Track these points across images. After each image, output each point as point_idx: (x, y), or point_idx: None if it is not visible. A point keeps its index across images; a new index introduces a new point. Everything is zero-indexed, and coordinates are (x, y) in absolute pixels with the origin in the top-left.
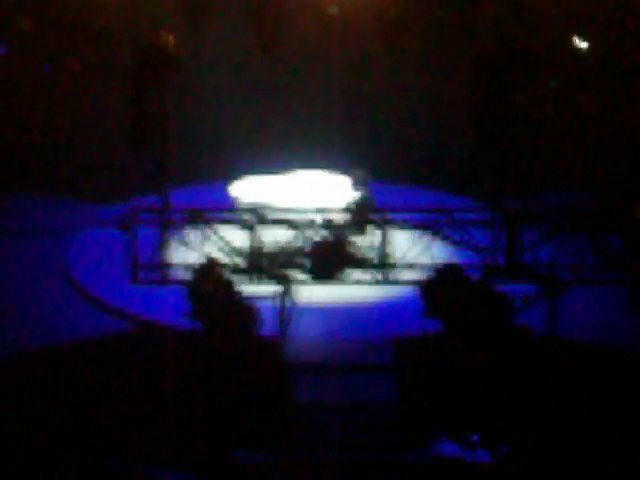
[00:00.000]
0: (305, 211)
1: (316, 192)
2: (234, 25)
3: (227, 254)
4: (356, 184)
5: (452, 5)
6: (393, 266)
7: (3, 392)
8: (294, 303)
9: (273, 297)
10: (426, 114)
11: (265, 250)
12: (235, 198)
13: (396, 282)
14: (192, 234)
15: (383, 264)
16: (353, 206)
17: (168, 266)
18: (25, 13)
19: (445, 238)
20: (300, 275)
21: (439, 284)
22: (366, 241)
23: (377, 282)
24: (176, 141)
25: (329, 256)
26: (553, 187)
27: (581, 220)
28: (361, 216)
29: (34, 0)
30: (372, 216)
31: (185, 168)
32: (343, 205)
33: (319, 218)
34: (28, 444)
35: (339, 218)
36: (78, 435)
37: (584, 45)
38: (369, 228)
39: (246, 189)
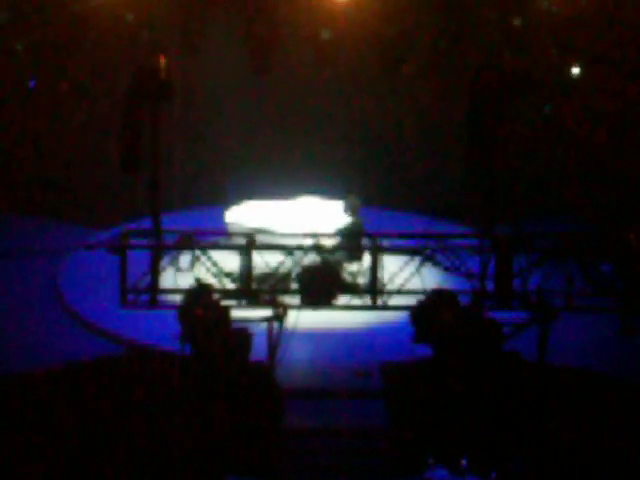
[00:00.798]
0: (297, 235)
1: (310, 217)
2: (229, 49)
3: (218, 278)
4: (347, 210)
5: (448, 31)
6: (384, 292)
7: None
8: (285, 328)
9: (264, 322)
10: (419, 139)
11: (257, 274)
12: (228, 222)
13: (387, 307)
14: (183, 258)
15: (374, 289)
16: (344, 232)
17: (158, 289)
18: (18, 34)
19: (436, 264)
20: (291, 300)
21: (429, 309)
22: (357, 266)
23: (368, 307)
24: (173, 164)
25: (320, 281)
26: (544, 213)
27: (572, 246)
28: (352, 242)
29: (27, 21)
30: (362, 242)
31: (181, 192)
32: (334, 230)
33: (310, 242)
34: (15, 468)
35: (330, 243)
36: (67, 460)
37: (577, 70)
38: (361, 254)
39: (241, 213)
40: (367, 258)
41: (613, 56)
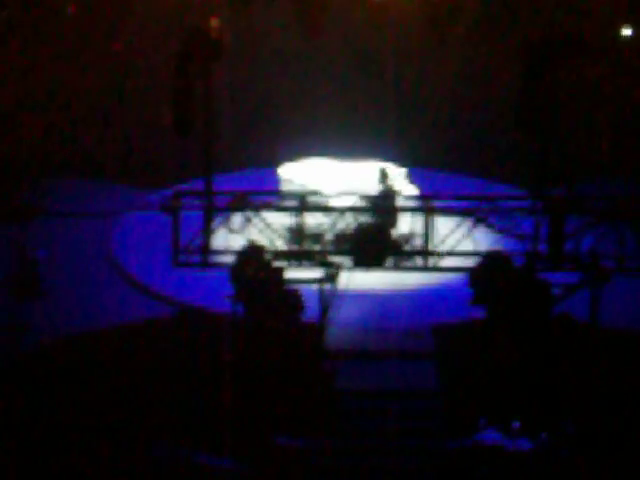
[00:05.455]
0: (348, 197)
1: (360, 180)
2: (279, 12)
3: (271, 239)
4: (382, 179)
5: None
6: (437, 253)
7: (48, 375)
8: (337, 289)
9: (316, 282)
10: (471, 101)
11: (309, 235)
12: (281, 182)
13: (439, 269)
14: (236, 218)
15: (426, 251)
16: (376, 200)
17: (211, 250)
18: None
19: (488, 225)
20: (343, 260)
21: (486, 272)
22: (410, 228)
23: (420, 269)
24: (225, 125)
25: (372, 242)
26: (596, 175)
27: (624, 208)
28: (387, 208)
29: None
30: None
31: (233, 152)
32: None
33: (363, 204)
34: (73, 427)
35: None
36: (124, 420)
37: (629, 32)
38: (399, 218)
39: (292, 173)
40: (418, 219)
41: None
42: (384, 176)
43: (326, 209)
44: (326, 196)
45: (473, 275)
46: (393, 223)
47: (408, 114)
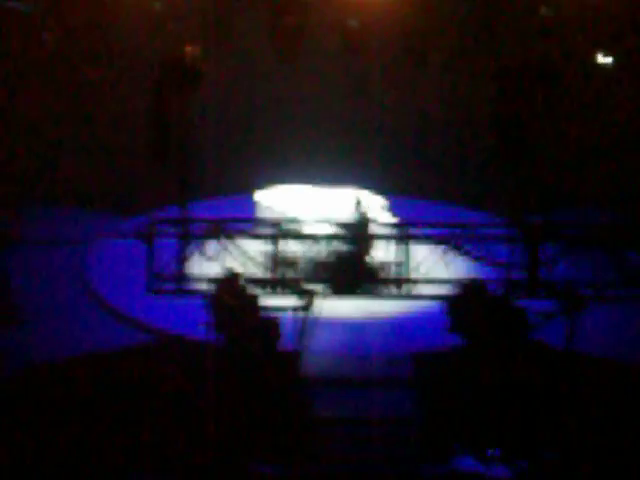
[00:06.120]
0: (323, 224)
1: (334, 206)
2: (256, 37)
3: (247, 266)
4: (356, 206)
5: (475, 19)
6: (413, 280)
7: (22, 403)
8: (314, 316)
9: (292, 310)
10: (447, 128)
11: (285, 262)
12: (257, 208)
13: (416, 296)
14: (212, 246)
15: (403, 278)
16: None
17: (187, 277)
18: (48, 26)
19: (465, 253)
20: (320, 288)
21: (463, 299)
22: (386, 255)
23: (396, 296)
24: (201, 152)
25: (347, 269)
26: (573, 202)
27: (601, 236)
28: (360, 235)
29: (58, 12)
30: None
31: (209, 179)
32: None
33: (339, 231)
34: (48, 455)
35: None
36: (99, 449)
37: (608, 60)
38: (374, 246)
39: (267, 200)
40: (396, 247)
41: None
42: (358, 204)
43: (301, 236)
44: (302, 223)
45: (450, 303)
46: (366, 251)
47: (387, 141)
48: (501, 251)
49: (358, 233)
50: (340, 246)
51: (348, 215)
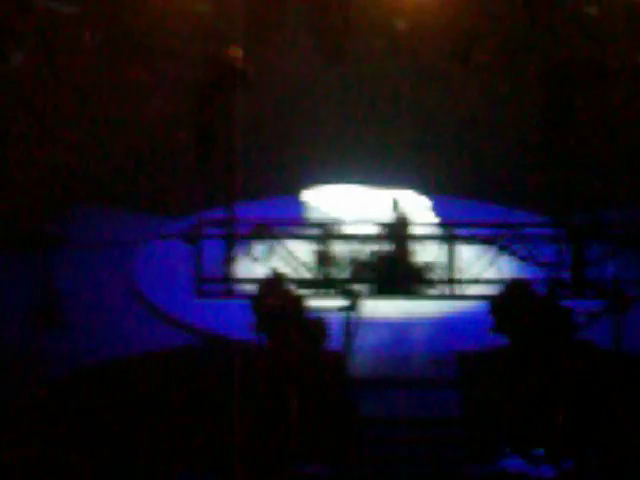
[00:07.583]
0: (372, 225)
1: (381, 207)
2: (302, 39)
3: (293, 267)
4: (394, 207)
5: (522, 19)
6: (459, 281)
7: (69, 404)
8: (359, 317)
9: (338, 310)
10: (493, 128)
11: (332, 263)
12: (304, 209)
13: (462, 297)
14: (258, 247)
15: (449, 279)
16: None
17: (233, 279)
18: (89, 27)
19: (511, 253)
20: (366, 288)
21: (508, 300)
22: (431, 255)
23: (443, 297)
24: (247, 153)
25: (393, 270)
26: (619, 201)
27: None
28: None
29: (99, 14)
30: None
31: (255, 181)
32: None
33: (381, 232)
34: (96, 457)
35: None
36: (146, 450)
37: None
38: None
39: (314, 200)
40: (438, 248)
41: None
42: (395, 205)
43: (347, 237)
44: (347, 224)
45: (495, 303)
46: (408, 251)
47: (431, 141)
48: (547, 251)
49: (398, 234)
50: (383, 246)
51: (387, 216)
